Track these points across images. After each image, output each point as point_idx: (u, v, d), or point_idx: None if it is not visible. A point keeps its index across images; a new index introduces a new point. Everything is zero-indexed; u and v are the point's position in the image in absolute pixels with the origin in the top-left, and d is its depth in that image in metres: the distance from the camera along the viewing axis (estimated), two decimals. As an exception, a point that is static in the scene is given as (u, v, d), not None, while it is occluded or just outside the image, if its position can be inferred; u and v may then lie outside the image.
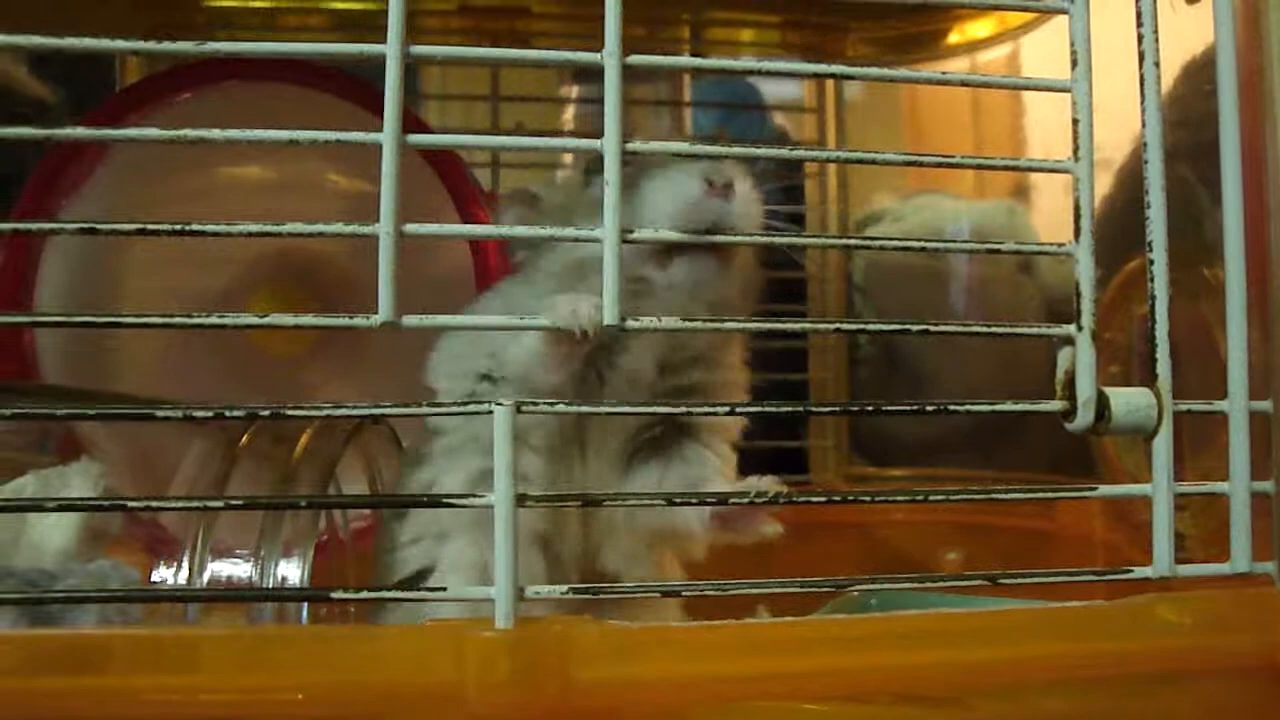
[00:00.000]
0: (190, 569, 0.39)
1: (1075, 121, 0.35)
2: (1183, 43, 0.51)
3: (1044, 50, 0.74)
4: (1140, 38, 0.35)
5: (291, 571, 0.39)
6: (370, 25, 0.69)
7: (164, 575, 0.40)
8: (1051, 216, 0.77)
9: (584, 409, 0.32)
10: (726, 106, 0.86)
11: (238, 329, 0.32)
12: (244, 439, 0.42)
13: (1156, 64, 0.35)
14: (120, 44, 0.32)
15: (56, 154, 0.61)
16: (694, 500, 0.33)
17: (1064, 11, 0.35)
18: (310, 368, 0.69)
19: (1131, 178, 0.37)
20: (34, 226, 0.31)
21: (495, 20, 0.71)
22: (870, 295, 0.83)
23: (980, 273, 0.80)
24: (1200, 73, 0.50)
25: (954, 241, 0.42)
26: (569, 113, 0.82)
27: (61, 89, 0.81)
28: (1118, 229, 0.45)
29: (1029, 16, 0.73)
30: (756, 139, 0.84)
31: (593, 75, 0.33)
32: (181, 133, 0.32)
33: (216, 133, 0.32)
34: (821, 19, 0.75)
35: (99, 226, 0.32)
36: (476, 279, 0.62)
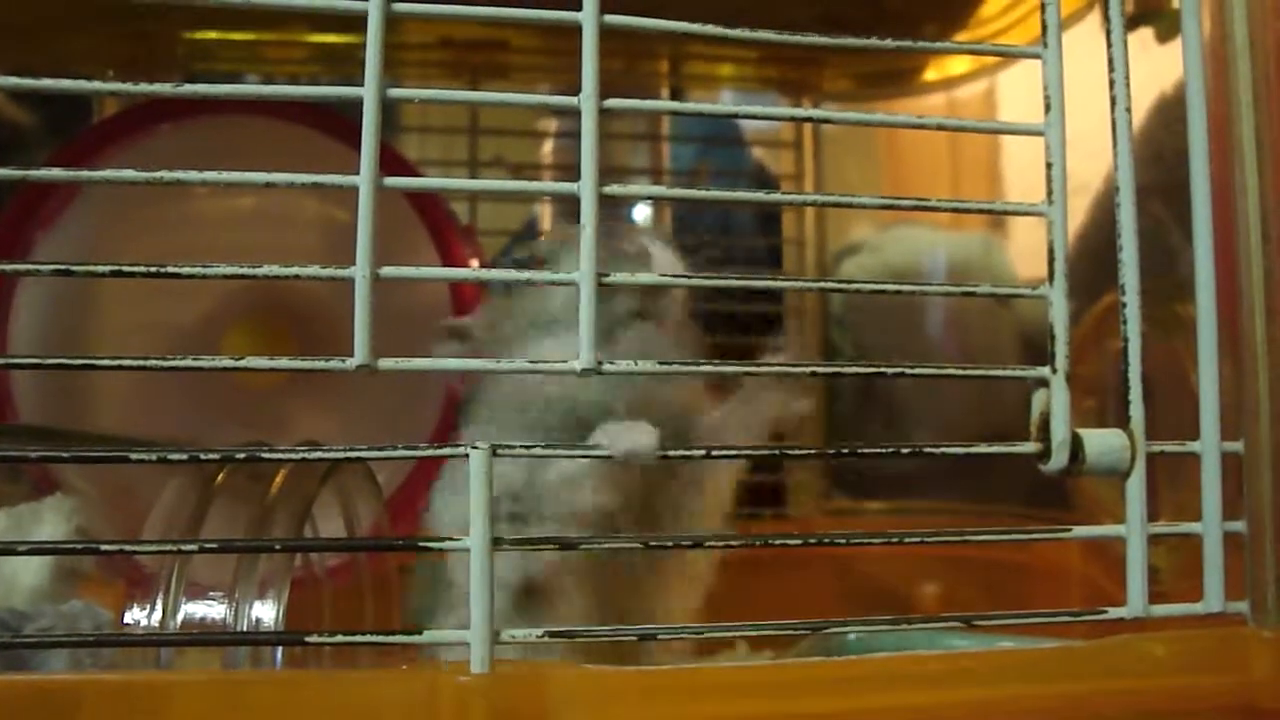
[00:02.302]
0: (164, 610, 0.39)
1: (1049, 166, 0.35)
2: (1154, 78, 0.52)
3: (1020, 86, 0.75)
4: (1112, 83, 0.36)
5: (266, 613, 0.38)
6: (350, 59, 0.69)
7: (137, 616, 0.39)
8: (1027, 249, 0.77)
9: (561, 453, 0.32)
10: (704, 141, 0.86)
11: (214, 370, 0.32)
12: (220, 476, 0.42)
13: (1128, 109, 0.36)
14: (97, 85, 0.32)
15: (32, 186, 0.60)
16: (668, 544, 0.33)
17: (1037, 57, 0.36)
18: (288, 399, 0.69)
19: (1105, 209, 0.38)
20: (8, 267, 0.31)
21: (475, 54, 0.71)
22: (848, 328, 0.83)
23: (958, 303, 0.81)
24: (1172, 109, 0.51)
25: (929, 284, 0.42)
26: (548, 146, 0.82)
27: (38, 113, 0.81)
28: (1092, 263, 0.45)
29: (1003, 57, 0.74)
30: (735, 172, 0.85)
31: (572, 109, 0.33)
32: (158, 175, 0.32)
33: (193, 175, 0.32)
34: (799, 54, 0.75)
35: (74, 268, 0.32)
36: (454, 313, 0.62)
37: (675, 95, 0.80)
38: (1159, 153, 0.50)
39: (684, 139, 0.86)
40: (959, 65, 0.78)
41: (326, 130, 0.61)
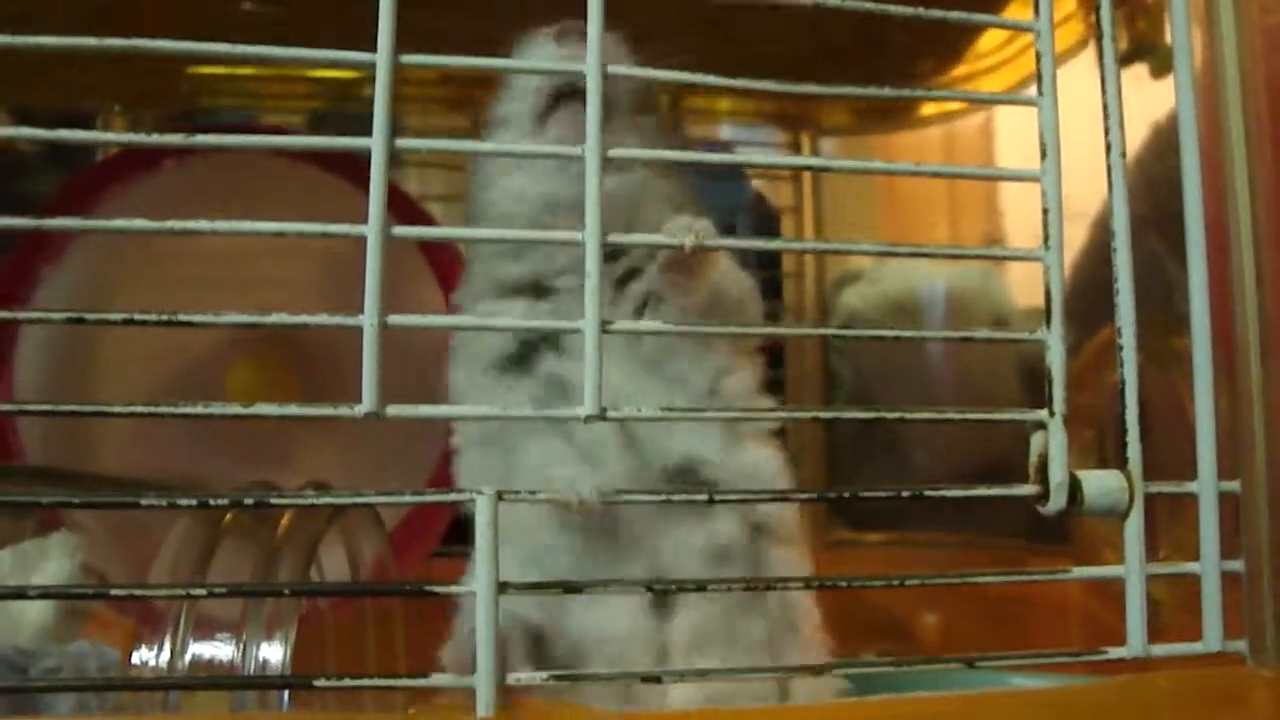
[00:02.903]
0: (172, 650, 0.39)
1: (1045, 212, 0.35)
2: (1149, 111, 0.52)
3: (1017, 119, 0.75)
4: (1106, 130, 0.36)
5: (274, 653, 0.39)
6: (352, 95, 0.70)
7: (145, 656, 0.39)
8: (1024, 275, 0.78)
9: (569, 497, 0.32)
10: (703, 173, 0.87)
11: (224, 417, 0.32)
12: (227, 517, 0.42)
13: (1123, 154, 0.36)
14: (110, 136, 0.33)
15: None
16: (672, 586, 0.33)
17: (1033, 104, 0.36)
18: (290, 431, 0.69)
19: (1102, 239, 0.38)
20: (20, 316, 0.32)
21: (477, 88, 0.71)
22: (848, 355, 0.84)
23: (956, 329, 0.81)
24: (1167, 140, 0.51)
25: (929, 324, 0.43)
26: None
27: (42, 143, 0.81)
28: (1090, 292, 0.45)
29: (1001, 87, 0.74)
30: (735, 205, 0.85)
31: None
32: (167, 225, 0.32)
33: (204, 224, 0.32)
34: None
35: (86, 316, 0.32)
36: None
37: (674, 128, 0.81)
38: (1154, 181, 0.51)
39: (683, 171, 0.86)
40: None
41: (327, 166, 0.61)
